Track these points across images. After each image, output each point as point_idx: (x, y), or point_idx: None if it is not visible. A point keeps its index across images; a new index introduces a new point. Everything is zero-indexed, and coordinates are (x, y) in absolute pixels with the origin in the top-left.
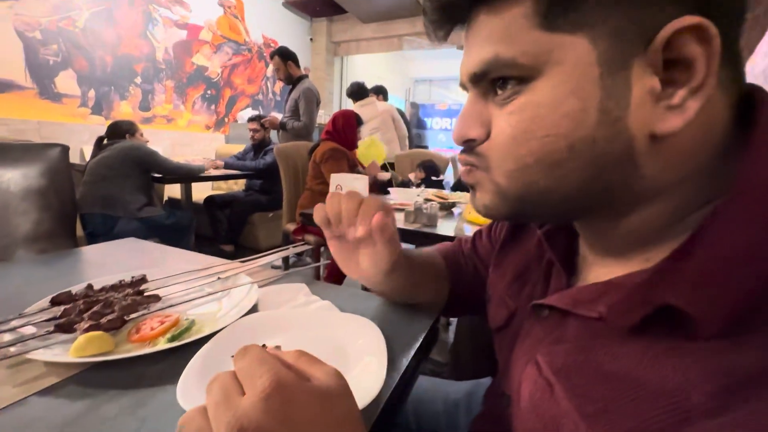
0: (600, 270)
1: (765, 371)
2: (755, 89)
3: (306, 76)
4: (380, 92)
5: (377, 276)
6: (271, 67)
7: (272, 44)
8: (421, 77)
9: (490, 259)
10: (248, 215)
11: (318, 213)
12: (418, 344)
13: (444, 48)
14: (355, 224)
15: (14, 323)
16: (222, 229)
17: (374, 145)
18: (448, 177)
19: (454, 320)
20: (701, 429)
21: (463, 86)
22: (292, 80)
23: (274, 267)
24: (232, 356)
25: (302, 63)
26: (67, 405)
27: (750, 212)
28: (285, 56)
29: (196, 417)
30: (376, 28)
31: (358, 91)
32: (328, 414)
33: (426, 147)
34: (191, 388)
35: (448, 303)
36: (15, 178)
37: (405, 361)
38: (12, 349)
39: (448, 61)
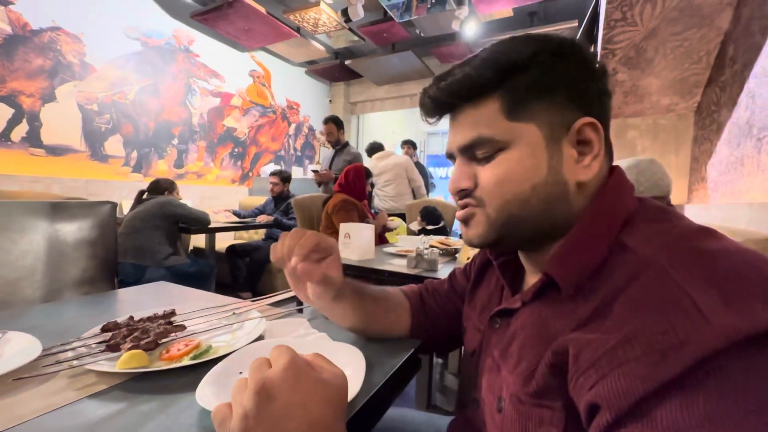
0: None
1: (591, 315)
2: (615, 166)
3: (348, 142)
4: (409, 144)
5: (322, 303)
6: (293, 126)
7: (295, 106)
8: (434, 130)
9: (465, 295)
10: (267, 263)
11: (273, 252)
12: (394, 369)
13: None
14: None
15: (74, 344)
16: (241, 276)
17: (402, 228)
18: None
19: None
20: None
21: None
22: (339, 144)
23: (297, 309)
24: (240, 372)
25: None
26: (113, 404)
27: (588, 228)
28: (339, 124)
29: (223, 408)
30: (389, 89)
31: (373, 149)
32: (321, 394)
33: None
34: (207, 393)
35: (422, 340)
36: (71, 230)
37: (381, 379)
38: (75, 362)
39: None
